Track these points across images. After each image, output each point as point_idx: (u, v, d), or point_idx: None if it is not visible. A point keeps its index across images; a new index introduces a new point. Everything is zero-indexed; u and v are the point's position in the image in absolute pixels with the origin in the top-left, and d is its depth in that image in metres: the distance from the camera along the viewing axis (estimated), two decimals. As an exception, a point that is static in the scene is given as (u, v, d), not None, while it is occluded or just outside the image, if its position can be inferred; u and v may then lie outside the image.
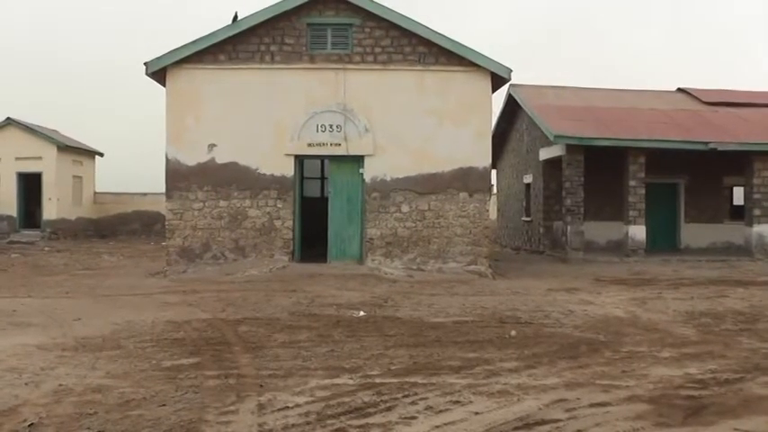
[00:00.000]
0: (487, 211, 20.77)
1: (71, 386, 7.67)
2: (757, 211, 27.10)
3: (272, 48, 19.94)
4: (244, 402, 7.06)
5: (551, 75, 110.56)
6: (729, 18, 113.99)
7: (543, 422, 6.62)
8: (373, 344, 10.01)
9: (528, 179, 32.10)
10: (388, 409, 6.92)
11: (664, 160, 27.56)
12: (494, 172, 35.98)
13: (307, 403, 7.04)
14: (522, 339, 10.57)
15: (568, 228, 25.97)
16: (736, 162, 27.82)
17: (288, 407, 6.91)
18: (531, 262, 25.66)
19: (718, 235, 30.61)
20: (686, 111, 30.00)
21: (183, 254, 19.69)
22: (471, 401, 7.22)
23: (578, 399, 7.39)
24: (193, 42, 19.57)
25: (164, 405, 6.99)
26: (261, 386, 7.65)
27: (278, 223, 19.84)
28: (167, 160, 19.81)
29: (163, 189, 20.20)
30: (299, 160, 20.37)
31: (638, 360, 9.36)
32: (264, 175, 19.82)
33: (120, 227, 41.71)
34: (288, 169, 19.91)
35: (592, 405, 7.20)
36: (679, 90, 33.42)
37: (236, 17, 19.89)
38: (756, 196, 27.12)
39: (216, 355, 9.21)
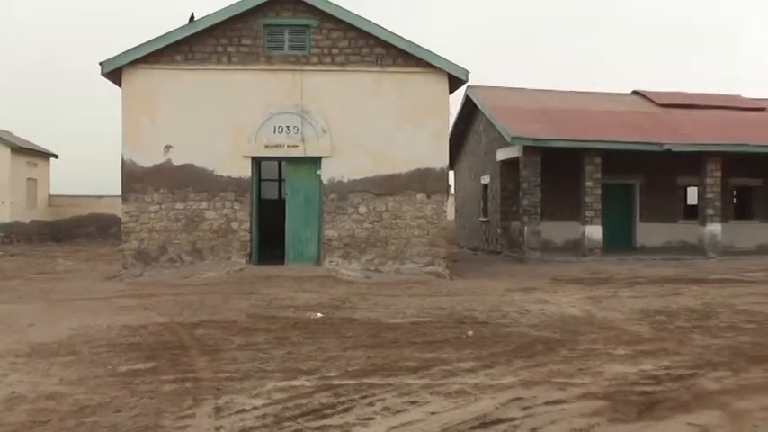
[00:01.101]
0: (445, 212, 20.84)
1: (24, 393, 7.59)
2: (710, 211, 27.54)
3: (230, 49, 19.85)
4: (200, 406, 7.04)
5: (509, 77, 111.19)
6: (684, 22, 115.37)
7: (500, 421, 6.68)
8: (331, 345, 10.01)
9: (485, 180, 32.25)
10: (346, 410, 6.94)
11: (619, 161, 27.84)
12: (451, 173, 36.12)
13: (264, 405, 7.04)
14: (479, 339, 10.64)
15: (525, 228, 26.16)
16: (690, 163, 28.19)
17: (245, 409, 6.91)
18: (488, 262, 25.79)
19: (672, 234, 30.99)
20: (641, 112, 30.36)
21: (140, 257, 19.53)
22: (428, 401, 7.26)
23: (534, 397, 7.47)
24: (149, 42, 19.40)
25: (119, 411, 6.94)
26: (218, 389, 7.63)
27: (235, 225, 19.76)
28: (123, 162, 19.64)
29: (119, 191, 20.03)
30: (257, 162, 20.30)
31: (594, 358, 9.47)
32: (221, 176, 19.72)
33: (75, 230, 41.23)
34: (245, 171, 19.83)
35: (548, 403, 7.28)
36: (634, 92, 33.79)
37: (192, 17, 19.78)
38: (709, 196, 27.55)
39: (172, 359, 9.15)
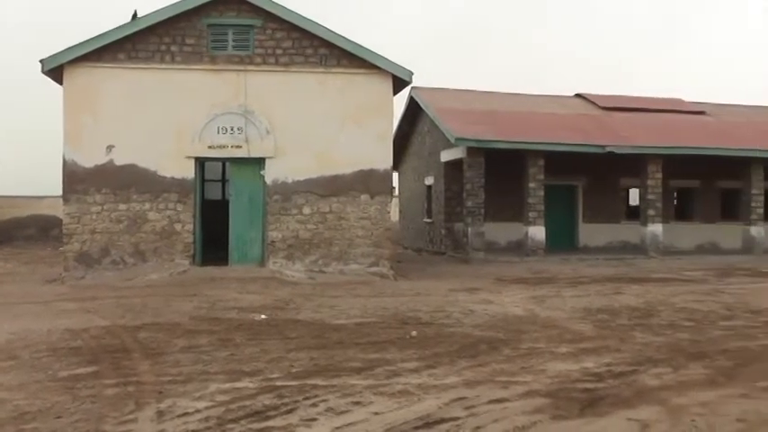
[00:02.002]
0: (389, 212, 20.89)
1: (-38, 399, 7.45)
2: (651, 212, 27.97)
3: (173, 48, 19.67)
4: (143, 410, 6.97)
5: (455, 79, 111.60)
6: (626, 27, 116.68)
7: (443, 420, 6.72)
8: (274, 347, 9.99)
9: (429, 181, 32.37)
10: (289, 411, 6.94)
11: (562, 163, 28.13)
12: (396, 174, 36.14)
13: (207, 408, 7.00)
14: (422, 340, 10.68)
15: (469, 229, 26.30)
16: (632, 164, 28.60)
17: (188, 412, 6.86)
18: (432, 263, 25.89)
19: (615, 234, 31.42)
20: (584, 115, 30.70)
21: (82, 259, 19.26)
22: (372, 402, 7.28)
23: (477, 396, 7.52)
24: (91, 40, 19.09)
25: (60, 417, 6.83)
26: (160, 393, 7.56)
27: (178, 227, 19.59)
28: (64, 162, 19.35)
29: (60, 192, 19.76)
30: (200, 162, 20.16)
31: (537, 356, 9.59)
32: (165, 177, 19.54)
33: (15, 232, 40.41)
34: (188, 171, 19.67)
35: (491, 402, 7.34)
36: (577, 95, 34.13)
37: (135, 15, 19.56)
38: (650, 197, 27.98)
39: (115, 362, 9.05)
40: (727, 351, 10.17)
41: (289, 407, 7.08)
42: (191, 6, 19.46)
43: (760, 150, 29.26)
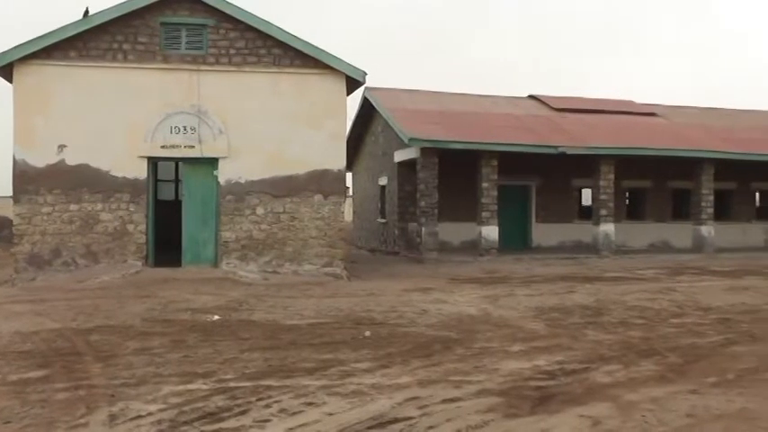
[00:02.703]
0: (343, 213, 20.87)
1: None
2: (604, 211, 28.25)
3: (125, 46, 19.46)
4: (94, 414, 6.89)
5: (409, 79, 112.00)
6: (576, 30, 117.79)
7: (396, 420, 6.74)
8: (228, 348, 9.95)
9: (383, 181, 32.40)
10: (242, 412, 6.91)
11: (516, 163, 28.29)
12: (349, 174, 36.14)
13: (159, 411, 6.95)
14: (376, 340, 10.70)
15: (423, 229, 26.35)
16: (585, 165, 28.86)
17: (140, 415, 6.80)
18: (386, 263, 25.91)
19: (567, 234, 31.68)
20: (537, 116, 30.94)
21: (32, 261, 19.01)
22: (325, 402, 7.28)
23: (431, 396, 7.55)
24: (42, 37, 18.80)
25: (9, 422, 6.72)
26: (112, 396, 7.48)
27: (131, 227, 19.41)
28: (15, 162, 19.06)
29: (10, 192, 19.48)
30: (153, 162, 19.98)
31: (490, 355, 9.65)
32: (117, 177, 19.34)
33: (-37, 232, 39.90)
34: (141, 171, 19.49)
35: (444, 401, 7.38)
36: (530, 97, 34.37)
37: (86, 12, 19.35)
38: (603, 197, 28.26)
39: (66, 366, 8.92)
40: (678, 348, 10.33)
41: (242, 408, 7.05)
42: (143, 4, 19.27)
43: (710, 151, 29.70)
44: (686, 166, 30.64)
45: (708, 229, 30.06)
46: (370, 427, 6.55)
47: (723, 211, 33.42)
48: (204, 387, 7.82)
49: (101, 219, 19.28)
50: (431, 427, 6.55)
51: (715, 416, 7.06)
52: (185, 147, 19.69)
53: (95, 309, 13.77)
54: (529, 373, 8.59)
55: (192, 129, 19.63)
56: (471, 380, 8.24)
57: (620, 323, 12.54)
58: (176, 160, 22.05)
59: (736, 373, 8.85)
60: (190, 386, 7.85)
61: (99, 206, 19.26)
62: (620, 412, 7.10)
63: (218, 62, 19.89)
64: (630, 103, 34.88)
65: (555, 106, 32.39)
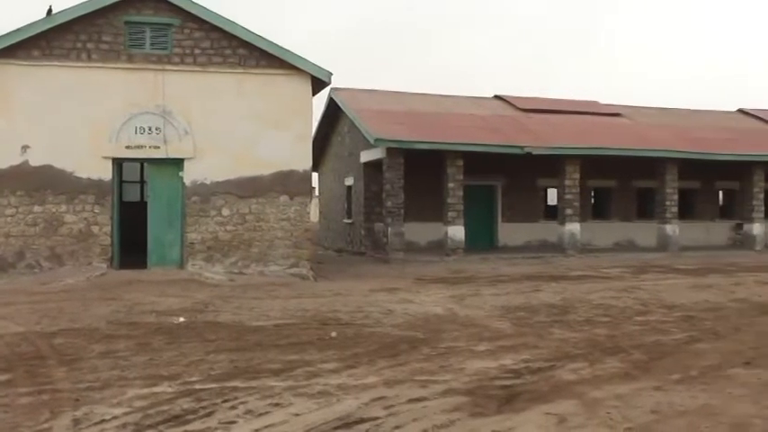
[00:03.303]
0: (309, 213, 20.85)
1: None
2: (569, 211, 28.44)
3: (89, 45, 19.28)
4: (58, 419, 6.80)
5: (376, 80, 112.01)
6: (545, 29, 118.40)
7: (363, 420, 6.73)
8: (193, 350, 9.89)
9: (349, 182, 32.40)
10: (208, 414, 6.87)
11: (482, 163, 28.41)
12: (315, 175, 36.15)
13: (124, 414, 6.88)
14: (342, 340, 10.69)
15: (389, 229, 26.40)
16: (550, 165, 29.06)
17: (105, 420, 6.73)
18: (352, 263, 25.91)
19: (533, 233, 31.87)
20: (503, 116, 31.09)
21: (-5, 263, 18.84)
22: (292, 403, 7.26)
23: (397, 396, 7.55)
24: (3, 36, 18.54)
25: (-29, 427, 6.66)
26: (77, 400, 7.39)
27: (95, 229, 19.25)
28: (-23, 163, 18.91)
29: (-27, 194, 19.25)
30: (118, 163, 19.86)
31: (456, 355, 9.66)
32: (81, 178, 19.18)
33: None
34: (106, 172, 19.33)
35: (410, 401, 7.38)
36: (496, 97, 34.53)
37: (50, 11, 19.13)
38: (568, 197, 28.45)
39: (29, 370, 8.80)
40: (642, 345, 10.43)
41: (207, 410, 7.01)
42: (107, 3, 19.10)
43: (673, 151, 30.00)
44: (650, 166, 30.92)
45: (672, 228, 30.33)
46: (336, 428, 6.53)
47: (687, 210, 33.79)
48: (169, 390, 7.76)
49: (65, 221, 19.11)
50: (397, 427, 6.55)
51: (679, 412, 7.13)
52: (150, 147, 19.55)
53: (60, 312, 13.62)
54: (495, 372, 8.61)
55: (157, 129, 19.51)
56: (437, 379, 8.26)
57: (586, 321, 12.64)
58: (141, 161, 21.89)
59: (700, 369, 8.93)
60: (155, 389, 7.79)
61: (63, 208, 19.08)
62: (586, 409, 7.15)
63: (183, 62, 19.78)
64: (595, 103, 35.13)
65: (520, 106, 32.56)
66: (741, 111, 39.14)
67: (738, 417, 6.99)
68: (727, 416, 7.01)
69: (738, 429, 6.64)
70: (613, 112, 34.06)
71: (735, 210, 35.54)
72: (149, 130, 19.48)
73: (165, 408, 7.08)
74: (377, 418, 6.79)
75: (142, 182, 25.66)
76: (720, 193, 36.86)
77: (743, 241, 33.08)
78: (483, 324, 12.31)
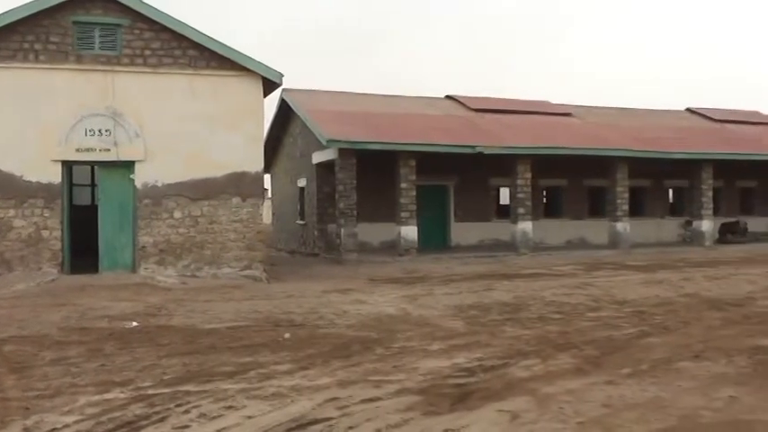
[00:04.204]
0: (261, 215, 20.79)
1: None
2: (521, 210, 28.65)
3: (37, 46, 18.96)
4: (8, 428, 6.69)
5: (328, 81, 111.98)
6: (495, 29, 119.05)
7: (316, 421, 6.73)
8: (146, 355, 9.81)
9: (302, 183, 32.37)
10: (161, 420, 6.82)
11: (434, 163, 28.51)
12: (268, 176, 36.04)
13: (76, 422, 6.78)
14: (296, 342, 10.68)
15: (342, 230, 26.40)
16: (502, 164, 29.25)
17: (56, 428, 6.63)
18: (306, 265, 25.89)
19: (486, 232, 32.06)
20: (455, 116, 31.22)
21: (-58, 269, 18.51)
22: (245, 406, 7.24)
23: (350, 396, 7.56)
24: (-53, 37, 18.36)
25: None
26: (27, 408, 7.26)
27: (45, 234, 18.99)
28: None
29: None
30: (68, 166, 19.63)
31: (409, 354, 9.69)
32: (30, 182, 18.90)
33: None
34: (55, 176, 19.08)
35: (363, 401, 7.39)
36: (448, 97, 34.67)
37: None
38: (520, 196, 28.65)
39: (-22, 378, 8.71)
40: (594, 341, 10.56)
41: (161, 415, 6.96)
42: (54, 3, 18.77)
43: (624, 150, 30.37)
44: (601, 165, 31.25)
45: (623, 226, 30.69)
46: (289, 429, 6.52)
47: (638, 208, 34.26)
48: (122, 396, 7.69)
49: (14, 225, 18.82)
50: (351, 428, 6.55)
51: (629, 405, 7.24)
52: (101, 150, 19.32)
53: (9, 319, 13.39)
54: (448, 371, 8.65)
55: (108, 131, 19.29)
56: (391, 379, 8.28)
57: (538, 318, 12.76)
58: (92, 164, 21.60)
59: (650, 363, 9.06)
60: (107, 395, 7.70)
61: (12, 212, 18.79)
62: (538, 405, 7.22)
63: (132, 63, 19.59)
64: (546, 103, 35.41)
65: (472, 106, 32.72)
66: (689, 110, 39.76)
67: (687, 409, 7.11)
68: (677, 408, 7.13)
69: (687, 421, 6.74)
70: (564, 112, 34.38)
71: (684, 207, 36.11)
72: (99, 132, 19.25)
73: (118, 414, 7.01)
74: (330, 419, 6.79)
75: (93, 185, 25.37)
76: (670, 190, 37.44)
77: (692, 238, 33.59)
78: (436, 323, 12.36)
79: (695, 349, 9.91)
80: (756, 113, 40.35)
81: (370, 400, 7.44)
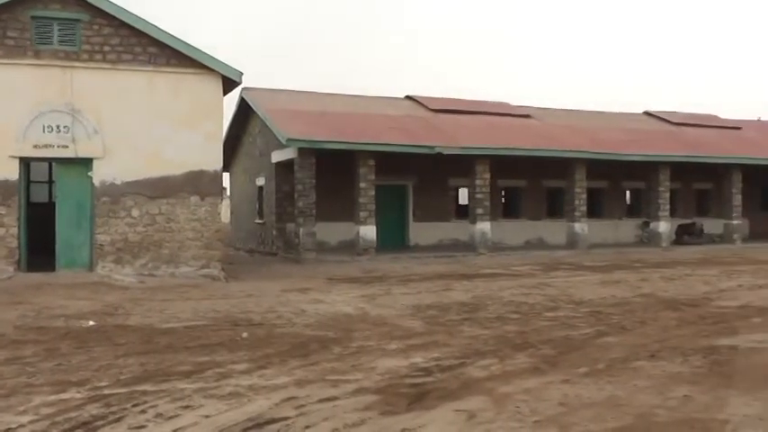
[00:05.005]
0: (219, 214, 20.71)
1: None
2: (480, 210, 28.78)
3: (-7, 41, 18.82)
4: (-39, 427, 6.66)
5: (288, 81, 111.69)
6: (453, 28, 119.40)
7: (273, 420, 6.73)
8: (103, 354, 9.73)
9: (261, 182, 32.26)
10: (117, 420, 6.78)
11: (393, 163, 28.57)
12: (227, 175, 35.90)
13: (31, 422, 6.71)
14: (254, 341, 10.66)
15: (301, 229, 26.37)
16: (461, 165, 29.36)
17: (10, 428, 6.56)
18: (264, 264, 25.83)
19: (445, 232, 32.16)
20: (414, 117, 31.26)
21: None
22: (202, 405, 7.22)
23: (308, 396, 7.56)
24: None
25: None
26: (-20, 408, 7.24)
27: (2, 231, 18.73)
28: None
29: None
30: (25, 163, 19.39)
31: (367, 354, 9.72)
32: (-14, 178, 18.70)
33: None
34: (12, 172, 18.85)
35: (321, 400, 7.40)
36: (407, 97, 34.68)
37: None
38: (479, 196, 28.79)
39: (-70, 378, 8.59)
40: (551, 340, 10.67)
41: (117, 415, 6.91)
42: (12, -3, 18.64)
43: (582, 152, 30.64)
44: (560, 166, 31.50)
45: (581, 226, 30.98)
46: (246, 429, 6.51)
47: (596, 209, 34.55)
48: (78, 396, 7.62)
49: (-31, 223, 18.60)
50: (307, 427, 6.56)
51: (586, 404, 7.32)
52: (59, 146, 19.13)
53: (-37, 317, 13.27)
54: (406, 371, 8.69)
55: (66, 128, 19.10)
56: (348, 379, 8.30)
57: (496, 318, 12.84)
58: (50, 160, 21.42)
59: (607, 362, 9.18)
60: (63, 395, 7.64)
61: (-33, 210, 18.57)
62: (495, 404, 7.28)
63: (92, 59, 19.40)
64: (505, 104, 35.56)
65: (431, 107, 32.79)
66: (647, 113, 40.17)
67: (643, 407, 7.20)
68: (633, 406, 7.22)
69: (643, 419, 6.83)
70: (523, 114, 34.55)
71: (641, 208, 36.52)
72: (58, 128, 19.05)
73: (74, 414, 6.95)
74: (287, 418, 6.79)
75: (51, 182, 25.10)
76: (628, 192, 37.80)
77: (649, 238, 34.00)
78: (394, 323, 12.40)
79: (651, 349, 10.05)
80: (713, 117, 40.89)
81: (328, 399, 7.45)
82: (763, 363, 9.36)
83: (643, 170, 33.42)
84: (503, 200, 34.59)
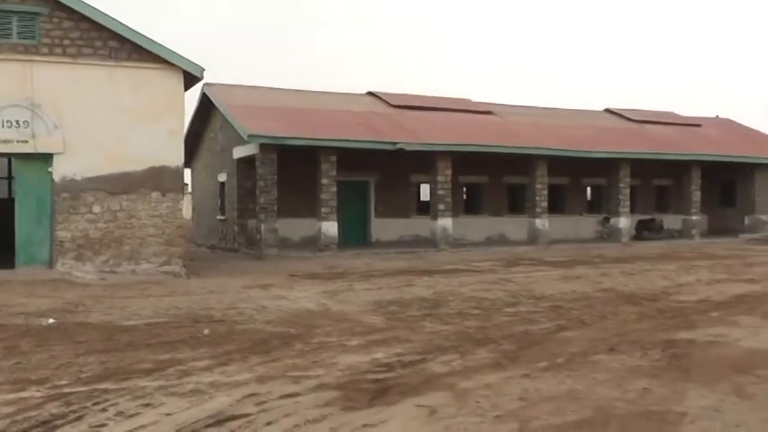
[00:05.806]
0: (181, 210, 20.60)
1: None
2: (441, 206, 28.90)
3: (-49, 35, 18.56)
4: None
5: (251, 77, 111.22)
6: (420, 29, 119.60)
7: (235, 417, 6.74)
8: (63, 352, 9.66)
9: (222, 178, 32.16)
10: (78, 418, 6.74)
11: (355, 159, 28.63)
12: (188, 171, 35.71)
13: (-10, 420, 6.71)
14: (215, 338, 10.65)
15: (263, 225, 26.33)
16: (422, 161, 29.46)
17: (-32, 427, 6.56)
18: (226, 260, 25.77)
19: (406, 228, 32.22)
20: (376, 113, 31.28)
21: None
22: (163, 403, 7.20)
23: (269, 392, 7.57)
24: None
25: None
26: (-62, 406, 7.17)
27: (-40, 228, 18.59)
28: None
29: None
30: (-17, 159, 19.24)
31: (328, 350, 9.74)
32: (-57, 175, 18.50)
33: None
34: (-30, 169, 18.71)
35: (282, 397, 7.41)
36: (369, 93, 34.69)
37: None
38: (440, 192, 28.92)
39: None
40: (512, 336, 10.75)
41: (77, 414, 6.88)
42: (-30, -10, 18.42)
43: (543, 148, 30.88)
44: (521, 163, 31.71)
45: (542, 222, 31.21)
46: (207, 426, 6.51)
47: (556, 205, 34.82)
48: (38, 394, 7.57)
49: (-73, 219, 18.38)
50: (269, 423, 6.57)
51: (546, 398, 7.41)
52: (18, 142, 18.92)
53: None
54: (367, 367, 8.73)
55: (26, 123, 18.91)
56: (310, 375, 8.32)
57: (458, 314, 12.92)
58: (9, 156, 21.22)
59: (567, 357, 9.28)
60: (22, 394, 7.58)
61: (-75, 206, 18.35)
62: (456, 400, 7.33)
63: (51, 53, 19.20)
64: (467, 101, 35.71)
65: (393, 103, 32.84)
66: (608, 110, 40.55)
67: (602, 400, 7.31)
68: (592, 399, 7.32)
69: (602, 412, 6.93)
70: (485, 110, 34.69)
71: (602, 204, 36.83)
72: (17, 123, 18.85)
73: (33, 413, 6.90)
74: (249, 415, 6.80)
75: (10, 178, 24.87)
76: (588, 188, 38.09)
77: (610, 234, 34.33)
78: (355, 319, 12.43)
79: (611, 343, 10.17)
80: (672, 114, 41.35)
81: (289, 395, 7.47)
82: (721, 356, 9.48)
83: (604, 167, 33.75)
84: (464, 196, 34.75)
